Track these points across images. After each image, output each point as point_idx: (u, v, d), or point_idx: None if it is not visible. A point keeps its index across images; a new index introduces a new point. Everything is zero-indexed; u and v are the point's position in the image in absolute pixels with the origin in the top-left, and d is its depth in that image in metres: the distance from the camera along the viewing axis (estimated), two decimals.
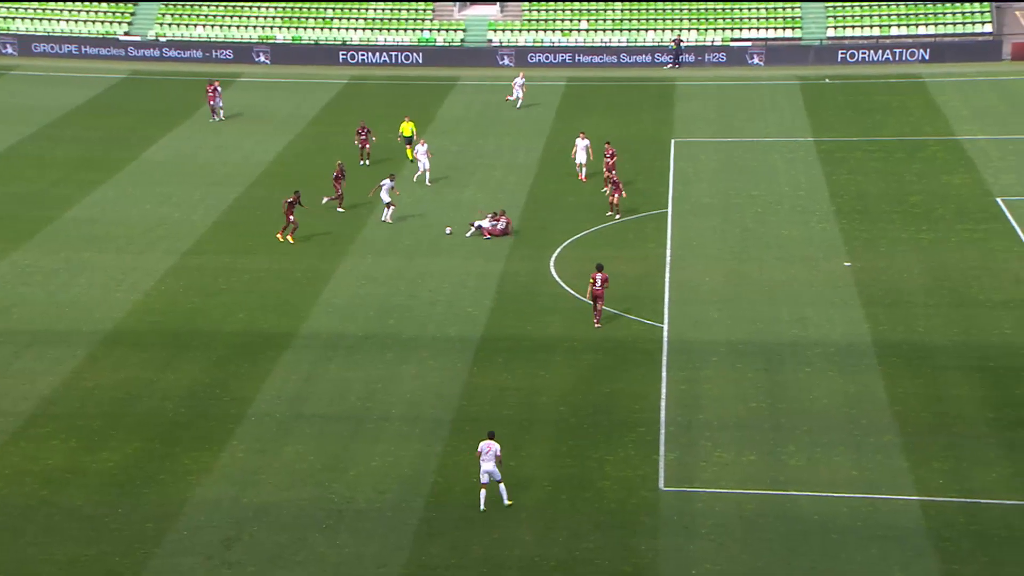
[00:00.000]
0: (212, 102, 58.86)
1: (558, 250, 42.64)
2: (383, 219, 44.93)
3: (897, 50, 67.32)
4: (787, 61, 67.81)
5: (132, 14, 74.87)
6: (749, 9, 70.80)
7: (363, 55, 70.79)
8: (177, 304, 38.99)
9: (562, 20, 71.87)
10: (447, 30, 72.27)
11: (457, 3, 73.23)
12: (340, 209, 46.38)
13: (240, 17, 74.15)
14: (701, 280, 39.90)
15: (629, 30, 70.79)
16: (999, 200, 46.06)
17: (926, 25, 68.86)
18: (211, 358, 35.19)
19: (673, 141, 54.59)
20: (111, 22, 74.48)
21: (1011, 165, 49.83)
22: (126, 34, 73.93)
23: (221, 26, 73.74)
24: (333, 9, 73.60)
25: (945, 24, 68.83)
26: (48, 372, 34.48)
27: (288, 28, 73.24)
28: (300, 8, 73.84)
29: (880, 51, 67.48)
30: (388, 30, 72.46)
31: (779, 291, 38.88)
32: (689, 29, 70.27)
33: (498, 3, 73.16)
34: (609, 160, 46.99)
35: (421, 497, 28.14)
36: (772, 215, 45.55)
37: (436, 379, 33.65)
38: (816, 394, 32.47)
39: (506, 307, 38.15)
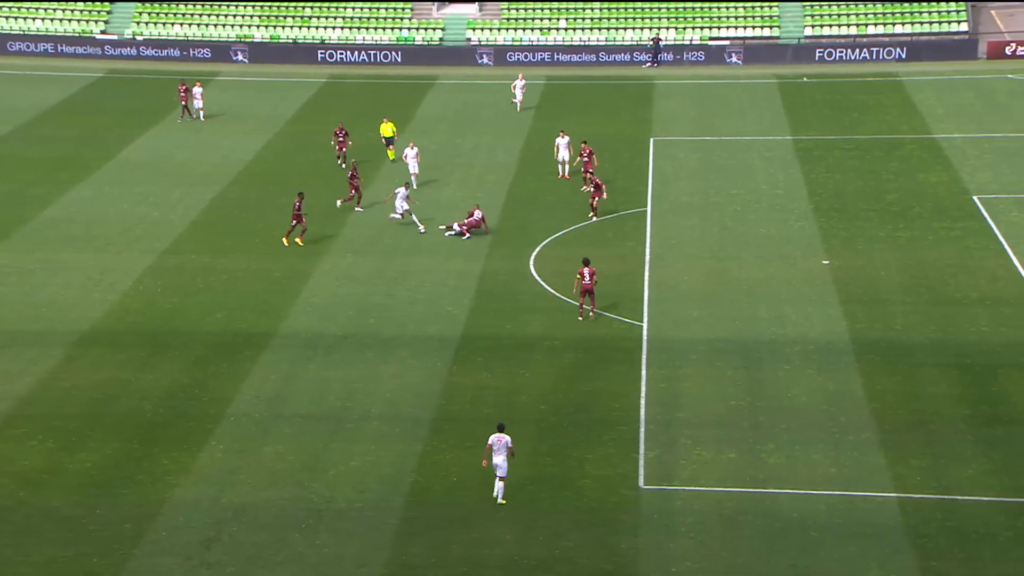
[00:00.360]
0: (184, 102, 58.55)
1: (538, 249, 42.67)
2: (392, 216, 44.15)
3: (874, 49, 67.64)
4: (765, 60, 68.04)
5: (109, 12, 74.49)
6: (727, 8, 70.98)
7: (342, 54, 70.66)
8: (155, 304, 38.84)
9: (541, 19, 71.90)
10: (426, 29, 72.21)
11: (436, 2, 73.17)
12: (359, 208, 46.07)
13: (218, 16, 73.87)
14: (680, 279, 40.00)
15: (608, 29, 70.89)
16: (975, 198, 46.34)
17: (903, 24, 69.22)
18: (190, 358, 35.06)
19: (652, 140, 54.70)
20: (87, 20, 74.08)
21: (987, 163, 50.14)
22: (103, 32, 73.55)
23: (198, 25, 73.45)
24: (311, 8, 73.41)
25: (921, 23, 69.18)
26: (25, 373, 34.28)
27: (266, 27, 73.02)
28: (278, 7, 73.63)
29: (857, 50, 67.78)
30: (367, 29, 72.33)
31: (758, 289, 39.00)
32: (667, 28, 70.41)
33: (477, 2, 73.12)
34: (586, 159, 47.05)
35: (401, 496, 28.12)
36: (751, 213, 45.69)
37: (416, 378, 33.63)
38: (795, 392, 32.60)
39: (486, 306, 38.15)
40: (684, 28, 70.33)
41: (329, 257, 42.34)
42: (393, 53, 70.55)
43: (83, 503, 28.21)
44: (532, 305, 38.17)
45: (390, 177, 50.01)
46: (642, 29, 70.59)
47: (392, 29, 72.30)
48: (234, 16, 73.70)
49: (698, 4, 71.17)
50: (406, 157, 48.36)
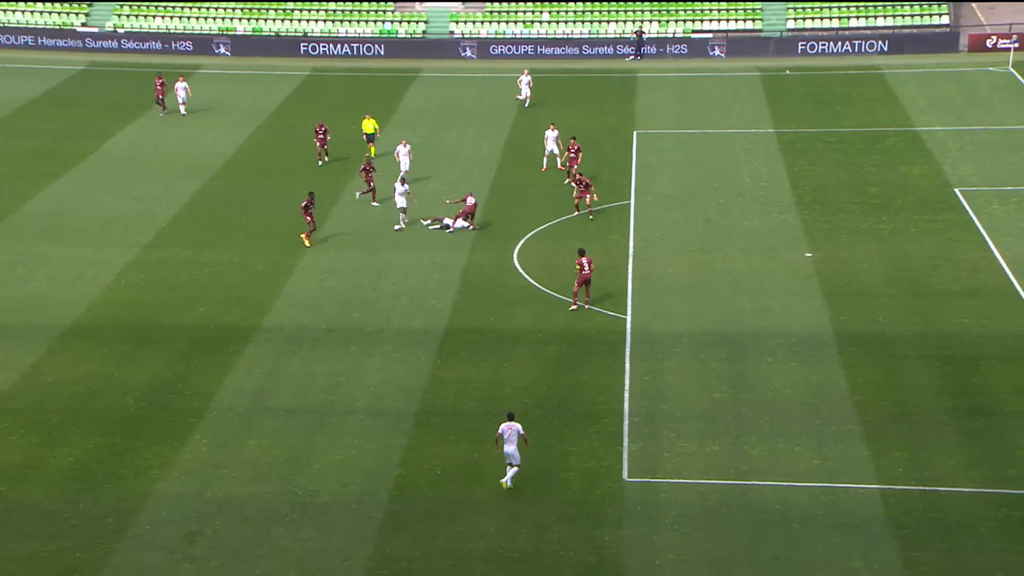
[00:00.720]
0: (161, 96, 58.17)
1: (521, 242, 42.65)
2: (398, 227, 43.37)
3: (856, 42, 67.80)
4: (748, 53, 68.13)
5: (90, 5, 74.07)
6: (710, 1, 71.01)
7: (324, 47, 70.43)
8: (138, 298, 38.70)
9: (524, 12, 71.82)
10: (409, 22, 72.04)
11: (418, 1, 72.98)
12: (375, 204, 45.75)
13: (200, 8, 73.51)
14: (664, 272, 40.05)
15: (591, 22, 70.85)
16: (957, 191, 46.51)
17: (884, 17, 69.39)
18: (173, 352, 34.96)
19: (635, 133, 54.72)
20: (68, 13, 73.65)
21: (968, 156, 50.33)
22: (84, 25, 73.14)
23: (180, 17, 73.09)
24: (294, 0, 73.11)
25: (903, 16, 69.37)
26: (6, 367, 34.13)
27: (248, 20, 72.72)
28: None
29: (839, 43, 67.92)
30: (349, 22, 72.11)
31: (741, 282, 39.09)
32: (650, 21, 70.43)
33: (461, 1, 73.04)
34: (573, 155, 47.02)
35: (385, 490, 28.13)
36: (734, 206, 45.77)
37: (400, 372, 33.61)
38: (778, 384, 32.70)
39: (470, 299, 38.13)
40: (667, 21, 70.35)
41: (312, 251, 42.22)
42: (376, 46, 70.37)
43: (65, 498, 28.13)
44: (516, 299, 38.17)
45: (361, 181, 49.55)
46: (625, 22, 70.59)
47: (375, 22, 72.10)
48: (216, 9, 73.37)
49: None
50: (398, 155, 47.74)
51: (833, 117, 56.28)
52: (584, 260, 36.42)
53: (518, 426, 28.08)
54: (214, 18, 72.97)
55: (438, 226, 43.77)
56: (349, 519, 27.12)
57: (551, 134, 49.38)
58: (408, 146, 48.26)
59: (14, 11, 73.99)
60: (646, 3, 71.49)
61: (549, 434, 30.49)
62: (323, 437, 30.45)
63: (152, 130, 56.64)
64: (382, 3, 72.92)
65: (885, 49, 67.50)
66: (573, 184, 45.72)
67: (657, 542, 26.23)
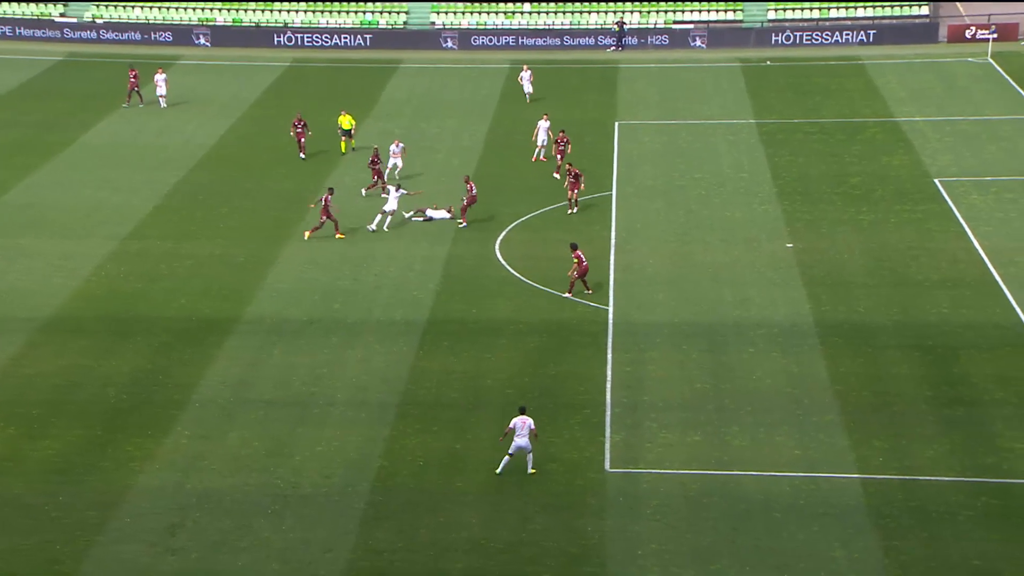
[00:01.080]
0: (135, 88, 57.76)
1: (503, 233, 42.61)
2: (372, 228, 42.53)
3: (836, 32, 67.93)
4: (729, 44, 68.20)
5: None
6: None
7: (305, 37, 70.17)
8: (118, 290, 38.53)
9: (505, 2, 71.70)
10: (390, 12, 71.84)
11: None
12: (384, 195, 45.41)
13: None
14: (646, 262, 40.09)
15: (572, 12, 70.78)
16: (936, 181, 46.69)
17: (864, 7, 69.54)
18: (153, 344, 34.83)
19: (617, 124, 54.72)
20: (46, 3, 73.13)
21: (948, 146, 50.53)
22: (62, 15, 72.63)
23: (159, 8, 72.66)
24: None
25: (883, 6, 69.54)
26: None
27: (228, 10, 72.35)
28: None
29: (819, 33, 68.05)
30: (330, 12, 71.84)
31: (722, 272, 39.16)
32: (632, 11, 70.40)
33: None
34: (561, 148, 46.92)
35: (367, 481, 28.09)
36: (715, 197, 45.85)
37: (382, 363, 33.55)
38: (759, 374, 32.78)
39: (452, 290, 38.08)
40: (648, 12, 70.35)
41: (293, 242, 42.09)
42: (357, 37, 70.15)
43: (46, 490, 28.00)
44: (498, 290, 38.13)
45: (348, 168, 49.56)
46: (606, 13, 70.55)
47: (356, 12, 71.85)
48: None
49: None
50: (393, 154, 47.13)
51: (814, 108, 56.40)
52: (580, 253, 36.60)
53: (530, 421, 28.19)
54: (193, 8, 72.58)
55: (421, 218, 43.70)
56: (331, 511, 27.08)
57: (543, 124, 49.28)
58: (402, 145, 47.57)
59: None
60: None
61: None
62: (305, 429, 30.36)
63: (131, 121, 56.36)
64: None
65: (865, 40, 67.67)
66: (559, 176, 45.66)
67: (639, 532, 26.27)
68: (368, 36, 70.13)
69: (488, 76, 63.40)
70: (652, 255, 40.54)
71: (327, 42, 70.03)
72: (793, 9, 69.97)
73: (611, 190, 46.66)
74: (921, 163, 48.66)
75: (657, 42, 68.71)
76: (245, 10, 72.22)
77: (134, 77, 57.81)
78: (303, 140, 50.21)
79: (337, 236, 41.69)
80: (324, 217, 41.41)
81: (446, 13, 71.52)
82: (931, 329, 35.08)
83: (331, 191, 42.14)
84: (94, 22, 71.95)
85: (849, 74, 61.82)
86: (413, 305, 37.06)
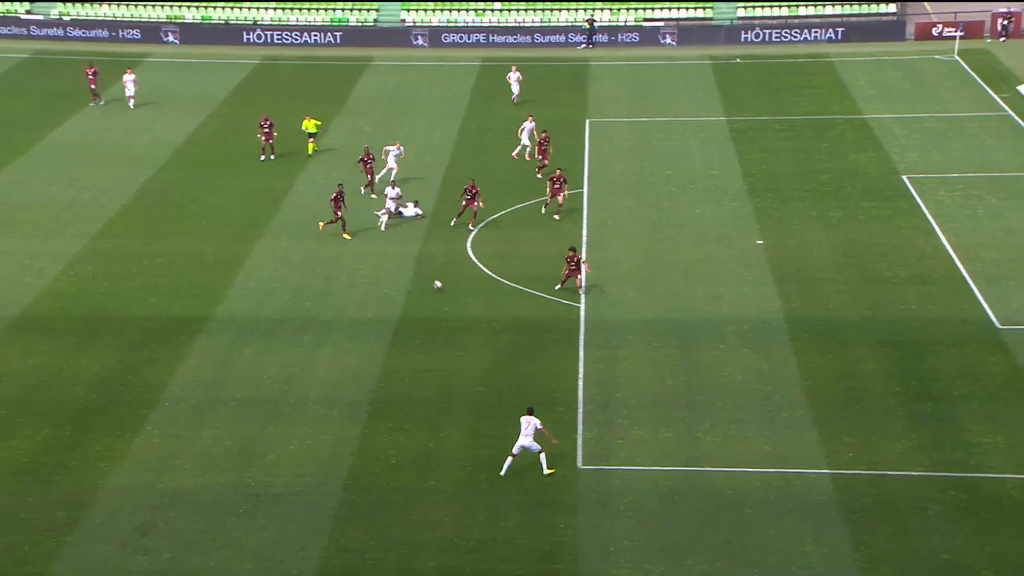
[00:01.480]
0: (93, 86, 57.23)
1: (475, 231, 42.58)
2: (380, 227, 42.46)
3: (805, 30, 68.25)
4: (699, 41, 68.40)
5: None
6: None
7: (274, 35, 69.87)
8: (87, 289, 38.28)
9: (476, 0, 71.61)
10: (360, 10, 71.62)
11: None
12: (374, 196, 44.94)
13: None
14: (617, 259, 40.17)
15: (543, 10, 70.80)
16: (904, 178, 47.00)
17: (833, 5, 69.89)
18: (123, 343, 34.63)
19: (588, 121, 54.78)
20: (13, 0, 72.45)
21: (915, 143, 50.87)
22: (28, 12, 72.00)
23: (127, 5, 72.17)
24: None
25: (851, 4, 69.91)
26: None
27: (197, 7, 71.93)
28: None
29: (789, 31, 68.36)
30: (300, 9, 71.55)
31: (694, 269, 39.29)
32: (602, 9, 70.48)
33: None
34: (543, 149, 46.73)
35: (340, 480, 28.05)
36: (686, 194, 45.98)
37: (354, 361, 33.49)
38: (730, 371, 32.91)
39: (424, 288, 38.02)
40: (618, 9, 70.46)
41: (264, 241, 41.93)
42: (327, 34, 69.90)
43: (15, 491, 27.81)
44: (470, 287, 38.10)
45: (316, 167, 49.31)
46: (577, 10, 70.61)
47: (326, 10, 71.60)
48: None
49: None
50: (387, 155, 46.39)
51: (783, 105, 56.64)
52: (577, 256, 36.64)
53: (536, 420, 28.18)
54: (162, 5, 72.11)
55: (388, 215, 43.52)
56: (303, 509, 27.01)
57: (528, 125, 49.15)
58: (401, 149, 46.73)
59: None
60: None
61: (504, 423, 30.44)
62: (276, 427, 30.28)
63: (100, 119, 55.96)
64: None
65: (834, 37, 68.03)
66: (541, 176, 45.45)
67: (611, 529, 26.34)
68: (338, 33, 69.91)
69: (459, 73, 63.33)
70: (624, 252, 40.62)
71: (297, 39, 69.74)
72: (762, 7, 70.25)
73: (582, 187, 46.70)
74: (889, 160, 48.97)
75: (627, 39, 68.83)
76: (214, 7, 71.81)
77: (92, 75, 57.26)
78: (271, 141, 49.56)
79: (345, 235, 41.26)
80: (338, 213, 41.06)
81: (416, 10, 71.36)
82: (900, 325, 35.32)
83: (341, 187, 41.72)
84: (61, 19, 71.36)
85: (818, 72, 62.12)
86: (385, 303, 36.98)
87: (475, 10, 71.14)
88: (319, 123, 50.21)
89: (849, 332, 34.95)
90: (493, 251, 40.72)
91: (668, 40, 68.58)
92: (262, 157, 49.70)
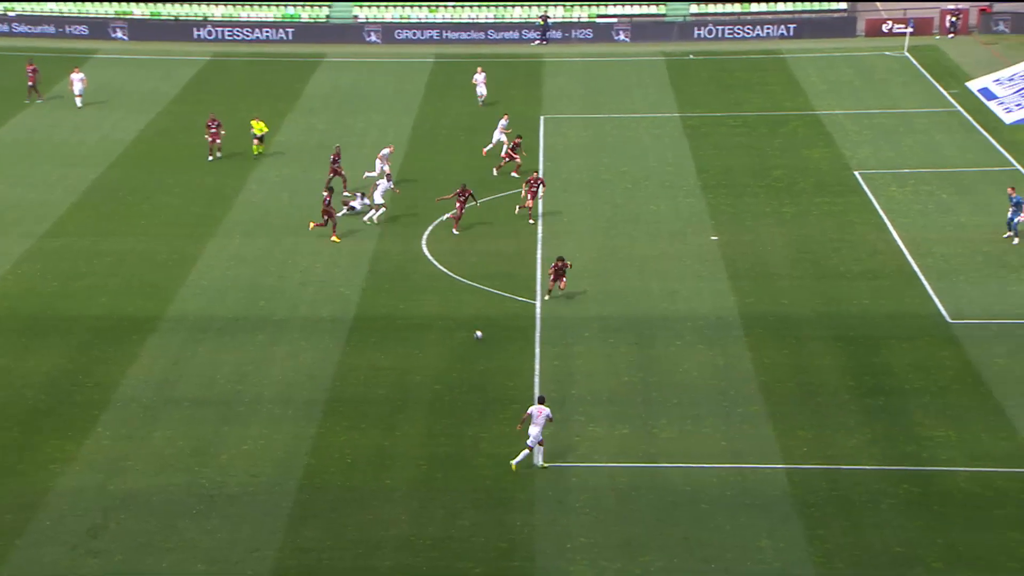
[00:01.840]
0: (32, 83, 56.29)
1: (430, 228, 42.42)
2: (369, 219, 42.12)
3: (757, 27, 68.64)
4: (652, 37, 68.57)
5: None
6: None
7: (225, 31, 69.24)
8: (35, 288, 37.74)
9: None
10: (312, 6, 71.14)
11: None
12: (346, 192, 44.19)
13: None
14: (572, 256, 40.03)
15: (496, 6, 70.68)
16: (857, 174, 47.35)
17: (785, 2, 70.35)
18: (73, 343, 34.19)
19: (542, 118, 54.74)
20: None
21: (867, 139, 51.28)
22: None
23: (75, 0, 71.21)
24: None
25: (803, 1, 70.38)
26: None
27: (146, 2, 71.10)
28: None
29: (741, 27, 68.72)
30: (251, 6, 70.95)
31: (649, 266, 39.36)
32: (555, 5, 70.48)
33: None
34: (512, 149, 46.47)
35: (294, 480, 27.86)
36: (641, 191, 46.06)
37: (309, 360, 33.28)
38: (686, 367, 33.00)
39: (379, 286, 37.83)
40: (572, 6, 70.49)
41: (217, 239, 41.53)
42: (279, 31, 69.37)
43: None
44: (426, 285, 37.96)
45: (269, 165, 48.82)
46: (531, 6, 70.55)
47: (277, 6, 71.02)
48: None
49: None
50: (382, 159, 45.15)
51: (736, 101, 56.90)
52: (563, 264, 36.12)
53: (547, 410, 28.10)
54: (110, 1, 71.24)
55: (348, 211, 43.24)
56: (258, 510, 26.82)
57: (502, 123, 48.85)
58: (390, 150, 45.75)
59: None
60: None
61: (461, 420, 30.42)
62: (230, 427, 30.04)
63: (47, 117, 55.18)
64: None
65: (786, 34, 68.45)
66: (517, 175, 45.16)
67: (568, 526, 26.32)
68: (290, 30, 69.39)
69: (413, 70, 63.08)
70: (579, 249, 40.61)
71: (248, 36, 69.15)
72: (715, 3, 70.54)
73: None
74: (841, 156, 49.32)
75: (581, 36, 68.88)
76: (163, 2, 71.00)
77: (32, 72, 56.37)
78: (217, 141, 48.78)
79: (335, 238, 40.63)
80: (326, 215, 40.50)
81: (369, 6, 70.99)
82: (853, 320, 35.56)
83: (330, 190, 41.21)
84: (6, 15, 70.26)
85: (770, 68, 62.48)
86: (339, 301, 36.75)
87: (428, 6, 70.90)
88: (266, 129, 48.92)
89: (803, 327, 35.14)
90: (449, 248, 40.55)
91: (622, 36, 68.71)
92: (210, 157, 49.03)
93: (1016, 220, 39.52)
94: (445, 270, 39.02)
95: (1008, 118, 48.65)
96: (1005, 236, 39.96)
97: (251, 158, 48.84)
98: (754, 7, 70.18)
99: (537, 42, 68.54)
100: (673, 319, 35.60)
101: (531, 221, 42.29)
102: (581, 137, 52.37)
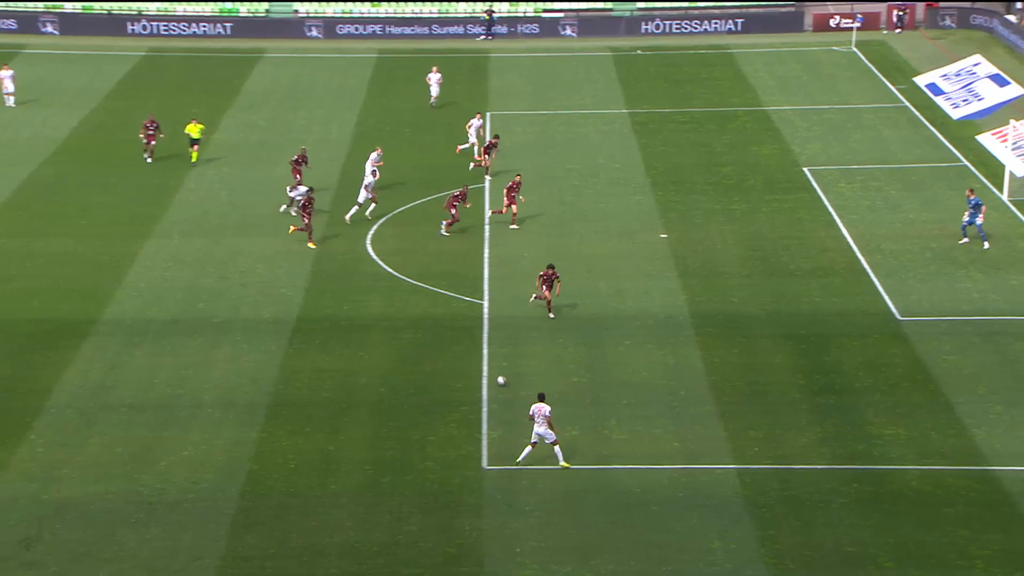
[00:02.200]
0: None
1: (374, 227, 41.86)
2: (350, 216, 41.35)
3: (705, 21, 68.58)
4: (599, 32, 68.30)
5: None
6: None
7: (161, 26, 67.95)
8: None
9: None
10: (251, 0, 70.06)
11: None
12: (292, 194, 43.34)
13: None
14: (520, 255, 39.81)
15: (441, 1, 70.05)
16: (806, 170, 47.34)
17: None
18: (4, 348, 33.43)
19: (488, 114, 54.27)
20: None
21: (815, 135, 51.33)
22: None
23: None
24: None
25: None
26: None
27: None
28: None
29: (688, 22, 68.62)
30: None
31: (598, 265, 39.05)
32: (501, 0, 69.98)
33: None
34: (486, 149, 45.81)
35: (237, 486, 27.45)
36: (589, 188, 45.77)
37: (250, 363, 32.78)
38: (636, 367, 32.76)
39: (322, 287, 37.30)
40: (518, 0, 70.03)
41: (154, 239, 40.74)
42: (217, 25, 68.22)
43: None
44: (370, 285, 37.48)
45: (208, 164, 47.83)
46: (476, 1, 70.00)
47: (215, 0, 69.87)
48: None
49: None
50: (374, 162, 43.88)
51: (685, 97, 56.77)
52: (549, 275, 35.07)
53: (547, 408, 27.78)
54: None
55: (290, 205, 42.27)
56: (199, 517, 26.35)
57: (475, 122, 48.15)
58: (379, 153, 44.34)
59: None
60: None
61: (407, 423, 30.02)
62: (170, 433, 29.50)
63: None
64: None
65: (734, 29, 68.45)
66: (490, 177, 44.46)
67: (517, 530, 26.05)
68: (228, 25, 68.28)
69: (355, 65, 62.41)
70: (527, 248, 40.23)
71: (185, 31, 67.94)
72: None
73: (484, 182, 46.19)
74: (791, 152, 49.31)
75: (527, 31, 68.47)
76: None
77: None
78: (153, 143, 47.31)
79: (309, 244, 39.72)
80: (306, 219, 39.61)
81: (310, 1, 70.04)
82: (803, 318, 35.46)
83: (311, 190, 40.29)
84: None
85: (719, 63, 62.42)
86: (282, 303, 36.18)
87: (371, 0, 70.09)
88: (203, 128, 47.59)
89: (753, 326, 35.02)
90: (394, 248, 40.08)
91: (568, 31, 68.39)
92: (149, 159, 47.72)
93: (978, 223, 39.45)
94: (390, 270, 38.51)
95: (955, 113, 48.82)
96: (961, 242, 39.78)
97: (188, 147, 47.55)
98: (701, 2, 70.09)
99: (482, 37, 68.04)
100: (623, 318, 35.32)
101: (513, 227, 41.38)
102: (528, 134, 51.96)
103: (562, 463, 28.03)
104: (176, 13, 68.86)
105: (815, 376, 32.26)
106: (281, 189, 44.15)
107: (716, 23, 68.56)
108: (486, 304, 36.26)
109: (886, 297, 36.68)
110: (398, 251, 39.85)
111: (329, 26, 68.38)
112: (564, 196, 45.06)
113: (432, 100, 54.75)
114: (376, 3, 69.92)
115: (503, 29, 68.39)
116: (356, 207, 42.01)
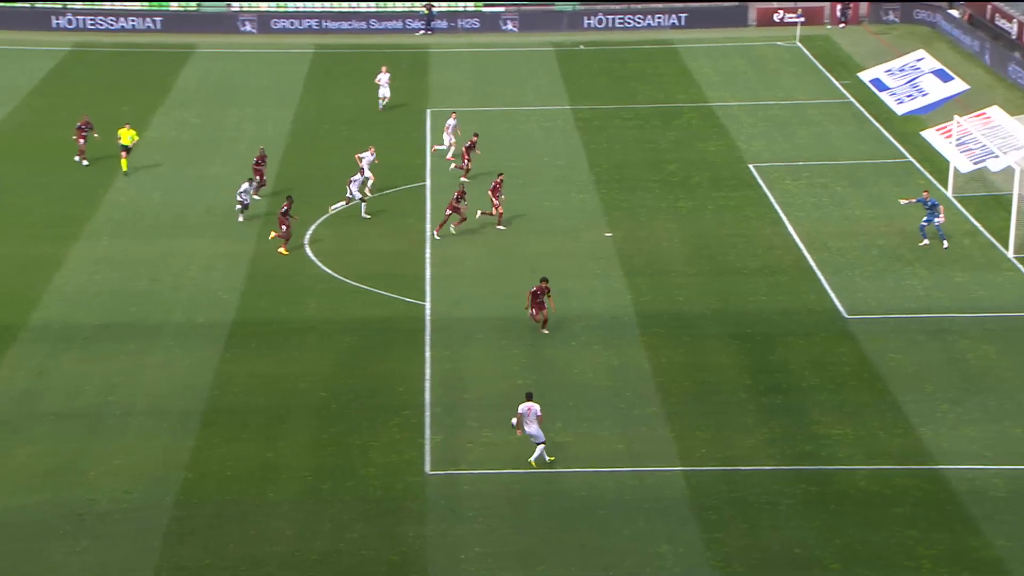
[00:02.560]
0: None
1: (312, 228, 41.12)
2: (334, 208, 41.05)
3: (648, 16, 68.34)
4: (541, 27, 67.84)
5: None
6: None
7: (87, 20, 66.39)
8: None
9: None
10: None
11: None
12: (257, 198, 42.13)
13: None
14: (463, 255, 39.33)
15: None
16: (751, 167, 47.15)
17: None
18: None
19: (429, 111, 53.63)
20: None
21: (761, 131, 51.18)
22: None
23: None
24: None
25: None
26: None
27: None
28: None
29: (632, 16, 68.35)
30: None
31: (542, 264, 38.53)
32: None
33: None
34: (467, 150, 44.95)
35: (171, 495, 26.90)
36: (532, 186, 45.31)
37: (184, 369, 32.15)
38: (581, 368, 32.41)
39: (259, 289, 36.63)
40: None
41: (82, 241, 39.82)
42: (146, 19, 66.78)
43: None
44: (309, 287, 36.87)
45: (138, 162, 46.61)
46: None
47: None
48: None
49: None
50: (361, 161, 43.22)
51: (629, 93, 56.46)
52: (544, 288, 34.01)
53: (536, 407, 27.42)
54: None
55: (241, 205, 41.26)
56: (131, 528, 25.77)
57: (451, 122, 47.25)
58: (374, 154, 43.50)
59: None
60: None
61: (347, 429, 29.51)
62: (100, 442, 28.85)
63: None
64: None
65: (677, 23, 68.26)
66: (466, 180, 43.66)
67: (461, 536, 25.70)
68: (158, 19, 66.89)
69: (291, 61, 61.52)
70: (469, 248, 39.72)
71: (113, 25, 66.45)
72: None
73: (425, 180, 45.60)
74: (736, 148, 49.12)
75: (467, 25, 67.86)
76: None
77: None
78: (81, 142, 45.75)
79: (281, 251, 38.70)
80: (284, 226, 38.56)
81: None
82: (749, 317, 35.24)
83: (290, 199, 39.25)
84: None
85: (663, 58, 62.17)
86: (217, 306, 35.50)
87: None
88: (136, 136, 45.61)
89: (700, 325, 34.77)
90: (332, 248, 39.44)
91: (509, 26, 67.87)
92: (85, 162, 46.33)
93: (936, 223, 39.31)
94: (329, 271, 37.87)
95: (900, 109, 48.81)
96: (921, 244, 39.61)
97: (119, 153, 46.21)
98: None
99: (422, 32, 67.33)
100: (567, 319, 34.88)
101: (500, 227, 40.64)
102: (469, 130, 51.29)
103: (548, 458, 27.83)
104: (103, 7, 67.32)
105: (762, 376, 32.04)
106: (218, 188, 43.30)
107: (660, 18, 68.34)
108: (428, 305, 35.73)
109: (832, 295, 36.54)
110: (337, 252, 39.20)
111: (263, 20, 67.28)
112: (507, 194, 44.44)
113: (382, 101, 53.26)
114: None
115: (443, 24, 67.71)
116: (343, 203, 41.27)
